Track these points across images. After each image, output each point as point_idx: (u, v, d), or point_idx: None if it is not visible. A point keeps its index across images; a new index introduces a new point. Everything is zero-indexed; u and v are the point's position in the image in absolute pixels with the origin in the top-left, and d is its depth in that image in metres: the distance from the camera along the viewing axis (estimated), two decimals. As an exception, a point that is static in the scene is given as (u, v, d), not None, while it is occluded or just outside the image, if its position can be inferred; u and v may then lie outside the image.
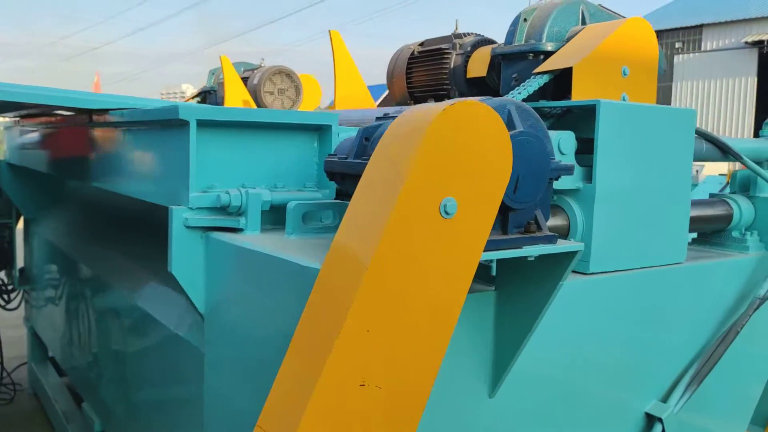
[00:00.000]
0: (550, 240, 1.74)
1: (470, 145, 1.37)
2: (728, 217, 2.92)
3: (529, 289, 1.95)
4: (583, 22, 2.76)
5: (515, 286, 2.01)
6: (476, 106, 1.36)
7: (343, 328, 1.25)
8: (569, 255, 1.82)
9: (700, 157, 2.85)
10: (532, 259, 1.73)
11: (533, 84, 2.48)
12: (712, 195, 3.10)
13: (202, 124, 1.84)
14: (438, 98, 3.31)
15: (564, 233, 2.36)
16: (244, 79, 5.00)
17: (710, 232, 3.05)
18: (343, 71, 3.79)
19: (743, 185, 3.07)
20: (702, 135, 2.78)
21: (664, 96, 31.96)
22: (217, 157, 1.90)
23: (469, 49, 3.10)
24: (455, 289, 1.40)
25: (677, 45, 31.23)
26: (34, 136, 4.00)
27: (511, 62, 2.79)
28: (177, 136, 1.89)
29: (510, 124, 1.67)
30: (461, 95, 3.15)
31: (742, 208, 2.94)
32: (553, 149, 1.78)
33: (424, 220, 1.34)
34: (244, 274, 1.80)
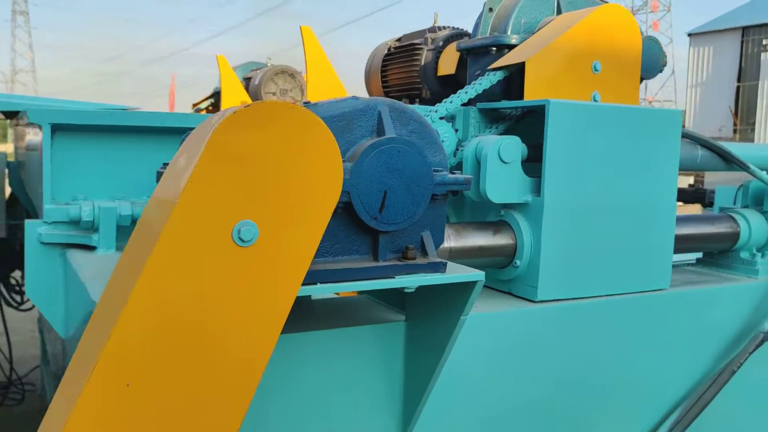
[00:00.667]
0: (435, 268, 1.45)
1: (276, 157, 1.11)
2: (733, 236, 2.51)
3: (436, 321, 1.67)
4: (559, 12, 2.42)
5: (423, 316, 1.73)
6: (282, 107, 1.10)
7: (89, 380, 1.02)
8: (469, 286, 1.53)
9: (694, 166, 2.45)
10: (411, 290, 1.45)
11: (484, 82, 2.17)
12: (722, 209, 2.68)
13: (62, 128, 1.66)
14: (411, 98, 3.03)
15: (510, 254, 2.04)
16: (248, 80, 4.85)
17: (716, 252, 2.64)
18: (314, 67, 3.57)
19: (756, 199, 2.64)
20: (696, 140, 2.38)
21: (749, 95, 30.16)
22: (84, 165, 1.71)
23: (441, 44, 2.80)
24: (261, 333, 1.14)
25: (765, 42, 29.33)
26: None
27: (476, 58, 2.48)
28: (41, 141, 1.71)
29: (379, 129, 1.40)
30: (433, 95, 2.85)
31: (752, 225, 2.52)
32: (444, 159, 1.48)
33: (210, 249, 1.08)
34: (77, 298, 1.60)
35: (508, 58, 2.19)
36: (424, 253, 1.48)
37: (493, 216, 2.13)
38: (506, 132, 2.21)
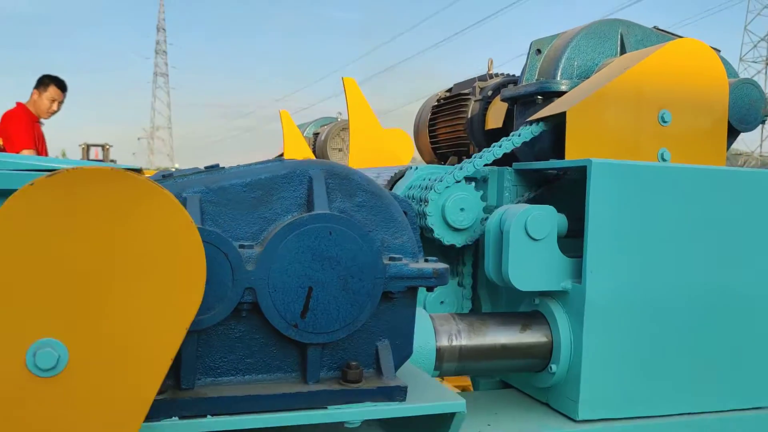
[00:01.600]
0: (388, 395, 1.05)
1: (93, 248, 0.77)
2: None
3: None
4: (623, 51, 1.97)
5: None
6: (102, 175, 0.76)
7: None
8: (447, 418, 1.11)
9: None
10: (355, 425, 1.04)
11: (516, 138, 1.76)
12: None
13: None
14: (459, 156, 2.64)
15: (545, 355, 1.58)
16: (317, 135, 4.66)
17: None
18: (357, 119, 3.28)
19: None
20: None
21: None
22: None
23: (489, 93, 2.41)
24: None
25: None
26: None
27: (523, 108, 2.07)
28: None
29: (309, 202, 1.04)
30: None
31: None
32: (411, 241, 1.09)
33: (-8, 379, 0.75)
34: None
35: (551, 108, 1.77)
36: (378, 372, 1.08)
37: (526, 305, 1.69)
38: (544, 200, 1.77)
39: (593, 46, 1.97)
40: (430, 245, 1.81)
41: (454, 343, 1.55)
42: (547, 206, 1.55)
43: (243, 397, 0.97)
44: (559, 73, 1.95)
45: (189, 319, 0.82)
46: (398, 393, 1.05)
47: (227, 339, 1.01)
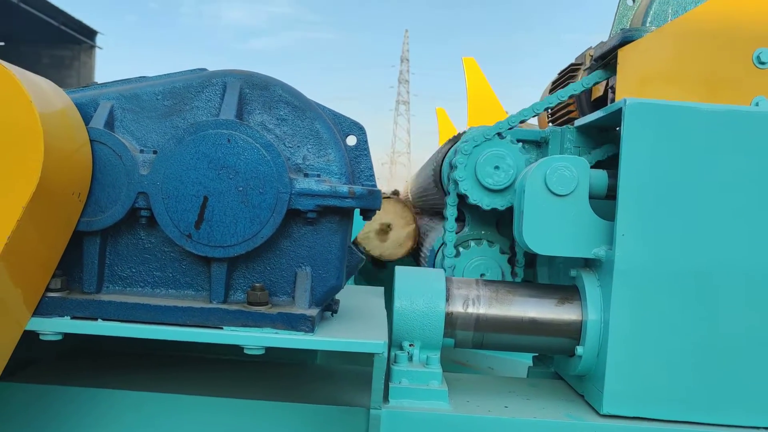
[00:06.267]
0: (292, 323, 0.96)
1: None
2: None
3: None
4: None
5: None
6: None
7: None
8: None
9: None
10: (257, 352, 0.97)
11: (570, 87, 1.55)
12: None
13: None
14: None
15: (574, 335, 1.35)
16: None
17: None
18: (475, 95, 3.14)
19: None
20: None
21: None
22: None
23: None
24: None
25: None
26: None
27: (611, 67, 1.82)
28: None
29: (226, 108, 0.99)
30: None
31: None
32: (338, 163, 1.00)
33: None
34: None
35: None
36: (292, 299, 1.00)
37: (566, 277, 1.46)
38: (603, 160, 1.53)
39: (698, -14, 1.67)
40: (485, 216, 1.64)
41: (470, 310, 1.38)
42: (576, 157, 1.33)
43: (132, 304, 0.95)
44: (648, 21, 1.69)
45: (15, 213, 0.82)
46: (303, 323, 0.95)
47: (137, 249, 1.00)
